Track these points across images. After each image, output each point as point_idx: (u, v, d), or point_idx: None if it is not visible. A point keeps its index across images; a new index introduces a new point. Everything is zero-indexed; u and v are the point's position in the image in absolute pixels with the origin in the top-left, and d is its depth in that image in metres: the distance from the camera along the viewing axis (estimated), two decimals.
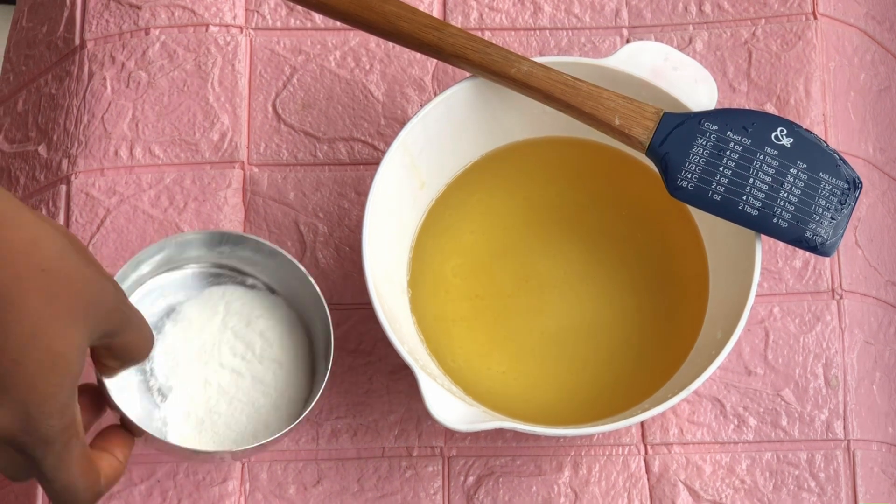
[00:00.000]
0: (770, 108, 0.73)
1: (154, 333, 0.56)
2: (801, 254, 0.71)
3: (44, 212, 0.73)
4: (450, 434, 0.68)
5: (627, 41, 0.75)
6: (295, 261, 0.62)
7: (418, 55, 0.75)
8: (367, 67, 0.75)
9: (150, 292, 0.62)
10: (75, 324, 0.46)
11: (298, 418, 0.59)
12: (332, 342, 0.60)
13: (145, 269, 0.61)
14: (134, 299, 0.61)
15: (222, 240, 0.62)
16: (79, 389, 0.49)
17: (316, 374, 0.63)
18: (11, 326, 0.44)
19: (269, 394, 0.62)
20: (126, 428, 0.56)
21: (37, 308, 0.44)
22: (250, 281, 0.64)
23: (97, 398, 0.56)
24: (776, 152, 0.60)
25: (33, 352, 0.45)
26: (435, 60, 0.74)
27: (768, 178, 0.59)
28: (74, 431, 0.48)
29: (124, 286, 0.59)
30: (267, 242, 0.62)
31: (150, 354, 0.55)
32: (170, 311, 0.62)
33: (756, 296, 0.63)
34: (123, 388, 0.60)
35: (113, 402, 0.56)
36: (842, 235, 0.59)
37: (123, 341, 0.51)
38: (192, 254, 0.63)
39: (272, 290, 0.64)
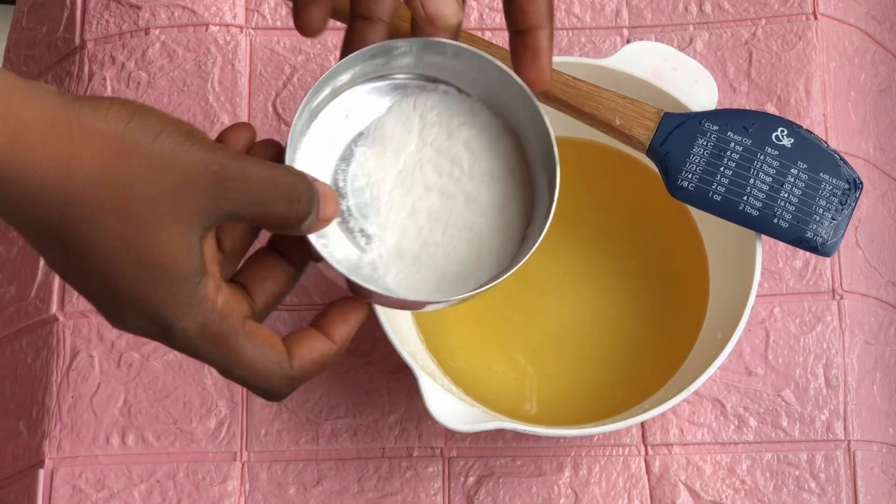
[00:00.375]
0: (770, 109, 0.73)
1: (342, 165, 0.50)
2: (802, 254, 0.71)
3: None
4: (450, 434, 0.68)
5: (628, 41, 0.75)
6: (501, 64, 0.51)
7: None
8: None
9: (331, 117, 0.52)
10: (157, 227, 0.41)
11: (526, 241, 0.51)
12: (555, 158, 0.52)
13: (315, 100, 0.51)
14: (313, 129, 0.51)
15: (403, 50, 0.52)
16: (255, 256, 0.46)
17: (535, 190, 0.54)
18: (80, 249, 0.40)
19: (487, 213, 0.52)
20: (354, 292, 0.48)
21: (102, 229, 0.40)
22: (442, 87, 0.53)
23: (272, 263, 0.47)
24: (777, 152, 0.60)
25: (120, 269, 0.41)
26: None
27: (769, 179, 0.59)
28: (219, 328, 0.43)
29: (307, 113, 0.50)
30: (465, 46, 0.51)
31: (309, 215, 0.45)
32: (357, 136, 0.52)
33: (756, 296, 0.62)
34: (320, 235, 0.48)
35: (317, 253, 0.47)
36: (842, 236, 0.59)
37: (258, 217, 0.43)
38: (364, 69, 0.52)
39: (468, 95, 0.54)
